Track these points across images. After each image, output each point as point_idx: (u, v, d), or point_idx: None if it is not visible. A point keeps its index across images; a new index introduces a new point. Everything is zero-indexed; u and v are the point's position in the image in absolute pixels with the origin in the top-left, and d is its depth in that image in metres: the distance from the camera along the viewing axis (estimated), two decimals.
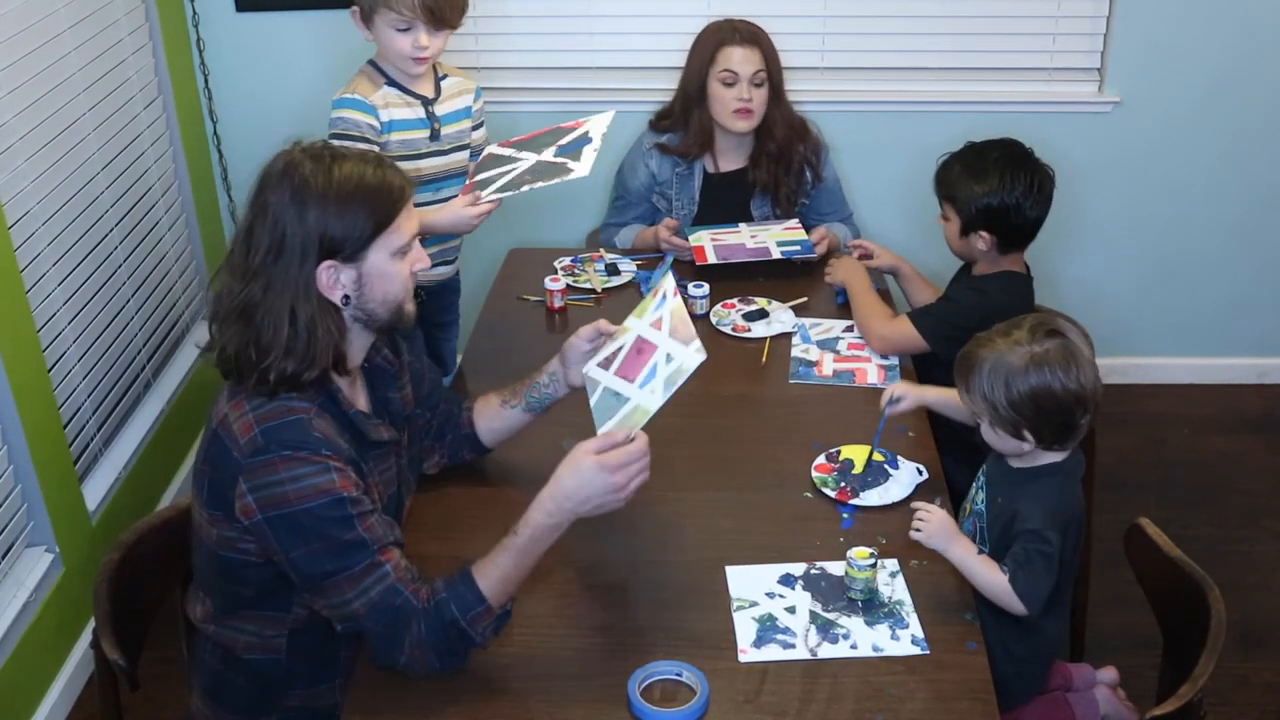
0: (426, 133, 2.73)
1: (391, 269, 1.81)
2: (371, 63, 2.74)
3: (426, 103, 2.73)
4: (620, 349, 2.03)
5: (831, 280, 2.83)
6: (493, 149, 2.73)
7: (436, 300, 2.99)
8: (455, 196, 2.64)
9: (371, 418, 1.93)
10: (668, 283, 2.03)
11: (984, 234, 2.49)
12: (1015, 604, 1.90)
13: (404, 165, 2.17)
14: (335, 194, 1.74)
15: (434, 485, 2.20)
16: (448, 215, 2.56)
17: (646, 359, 1.96)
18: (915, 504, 1.98)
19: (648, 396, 1.88)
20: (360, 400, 1.95)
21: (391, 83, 2.71)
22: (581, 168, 2.55)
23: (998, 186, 2.46)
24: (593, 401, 2.00)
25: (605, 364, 2.04)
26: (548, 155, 2.62)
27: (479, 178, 2.62)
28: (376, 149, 2.51)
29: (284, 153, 1.79)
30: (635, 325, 2.04)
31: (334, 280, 1.77)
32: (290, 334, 1.74)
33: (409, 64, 2.66)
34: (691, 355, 1.87)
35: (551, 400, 2.19)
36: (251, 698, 1.91)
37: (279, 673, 1.89)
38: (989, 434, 1.99)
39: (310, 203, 1.73)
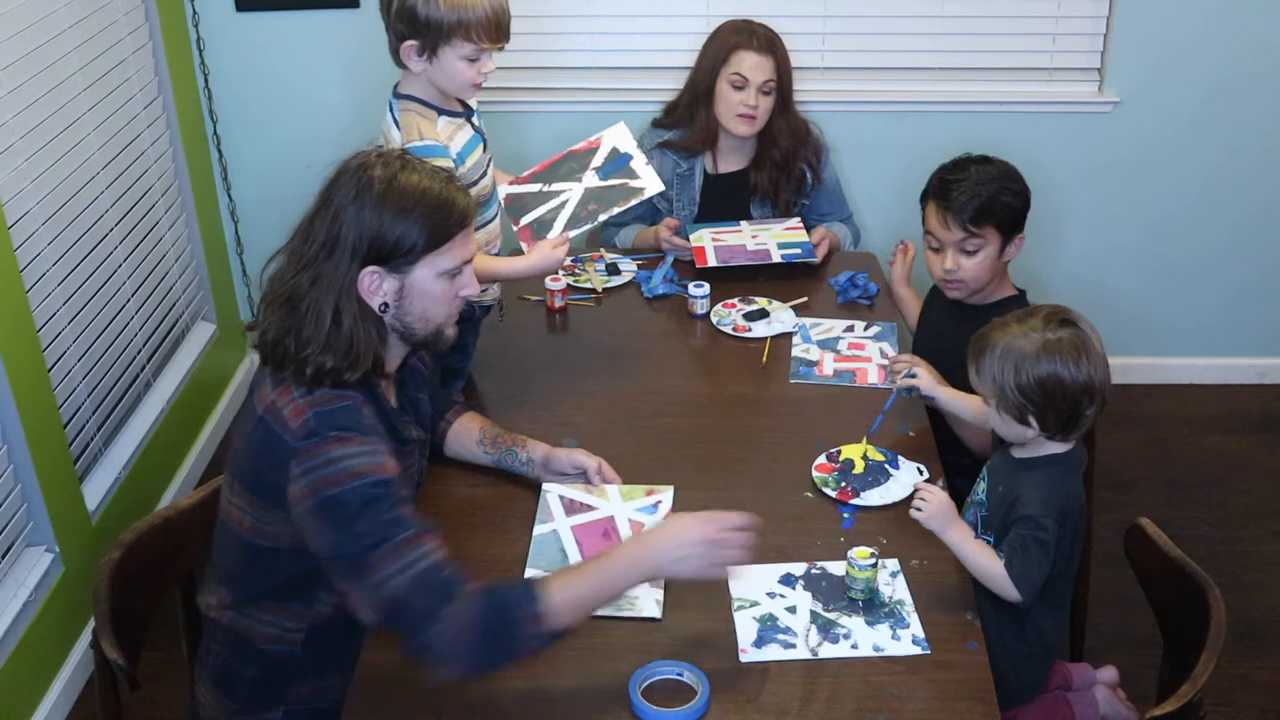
0: (481, 146, 2.55)
1: (436, 289, 1.82)
2: (408, 96, 2.45)
3: (467, 116, 2.54)
4: (592, 511, 2.10)
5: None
6: (508, 189, 2.60)
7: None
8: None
9: (402, 415, 1.95)
10: (666, 500, 2.11)
11: (1022, 235, 2.44)
12: (1010, 590, 1.90)
13: (474, 189, 2.14)
14: (395, 200, 1.76)
15: (435, 485, 2.21)
16: (535, 259, 2.46)
17: (609, 544, 2.02)
18: (919, 484, 1.99)
19: None
20: (391, 397, 1.96)
21: (440, 111, 2.46)
22: (651, 183, 2.57)
23: (1023, 182, 2.44)
24: (536, 530, 2.07)
25: (569, 507, 2.10)
26: (592, 181, 2.58)
27: (527, 220, 2.55)
28: None
29: (362, 152, 1.82)
30: (618, 507, 2.11)
31: (375, 286, 1.79)
32: (332, 331, 1.75)
33: (470, 91, 2.46)
34: (650, 602, 1.91)
35: (519, 474, 2.21)
36: (260, 689, 1.91)
37: (291, 664, 1.90)
38: (994, 417, 2.00)
39: (369, 204, 1.75)
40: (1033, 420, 1.95)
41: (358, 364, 1.77)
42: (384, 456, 1.74)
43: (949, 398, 2.27)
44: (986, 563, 1.91)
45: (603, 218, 2.52)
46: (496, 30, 2.39)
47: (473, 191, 2.01)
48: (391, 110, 2.46)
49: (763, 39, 3.08)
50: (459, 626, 1.66)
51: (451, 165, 2.38)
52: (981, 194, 2.37)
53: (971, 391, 2.10)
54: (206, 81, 3.57)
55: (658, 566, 1.75)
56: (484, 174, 2.52)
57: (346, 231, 1.75)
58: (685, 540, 1.74)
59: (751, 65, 3.06)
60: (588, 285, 2.94)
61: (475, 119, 2.56)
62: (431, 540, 1.71)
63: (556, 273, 2.83)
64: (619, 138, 2.67)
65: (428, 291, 1.82)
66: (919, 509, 1.94)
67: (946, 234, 2.40)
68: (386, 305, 1.81)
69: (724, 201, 3.21)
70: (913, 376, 2.29)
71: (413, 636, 1.68)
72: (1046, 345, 1.92)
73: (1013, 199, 2.40)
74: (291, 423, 1.73)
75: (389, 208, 1.75)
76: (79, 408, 2.91)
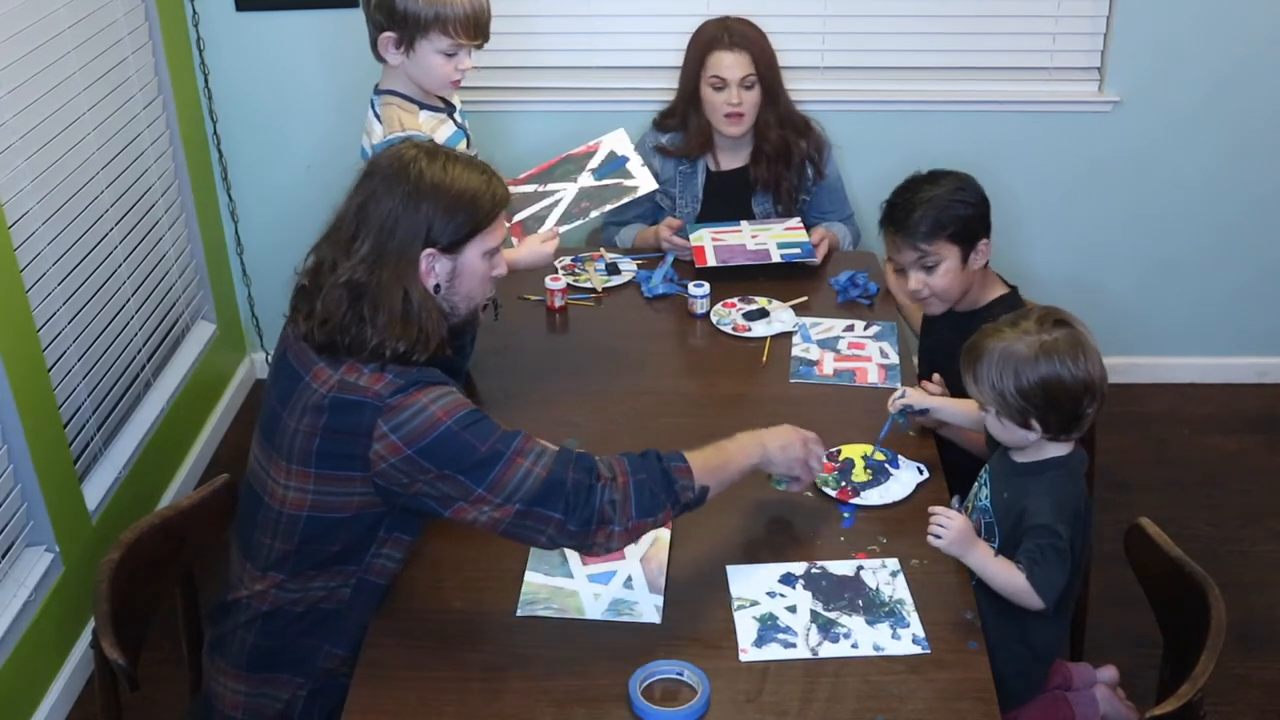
0: (464, 143, 2.59)
1: (481, 267, 1.93)
2: (388, 91, 2.51)
3: (449, 112, 2.59)
4: None
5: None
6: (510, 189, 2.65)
7: None
8: None
9: None
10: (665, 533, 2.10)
11: (985, 240, 2.40)
12: (1034, 600, 1.91)
13: None
14: (447, 190, 1.85)
15: None
16: (525, 252, 2.51)
17: (611, 558, 2.02)
18: (933, 509, 1.95)
19: (589, 598, 1.95)
20: None
21: (421, 105, 2.52)
22: (644, 181, 2.59)
23: (976, 189, 2.40)
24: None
25: None
26: (587, 181, 2.60)
27: (521, 216, 2.58)
28: None
29: (398, 147, 1.92)
30: None
31: (430, 268, 1.87)
32: (403, 314, 1.82)
33: (447, 87, 2.51)
34: (649, 608, 1.93)
35: None
36: (294, 654, 1.93)
37: (335, 619, 1.91)
38: (994, 425, 2.00)
39: (424, 195, 1.84)
40: (1035, 423, 1.95)
41: (427, 345, 1.85)
42: (464, 397, 1.85)
43: (941, 405, 2.26)
44: (1009, 578, 1.91)
45: (594, 214, 2.54)
46: (474, 28, 2.44)
47: None
48: (373, 106, 2.49)
49: (736, 35, 3.07)
50: (621, 482, 1.83)
51: None
52: (929, 212, 2.33)
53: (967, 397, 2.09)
54: (206, 81, 3.57)
55: (766, 449, 2.01)
56: None
57: (405, 223, 1.83)
58: (790, 437, 2.05)
59: (728, 64, 3.05)
60: (588, 285, 2.94)
61: (458, 115, 2.57)
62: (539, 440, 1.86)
63: (555, 270, 2.84)
64: (618, 142, 2.68)
65: (475, 271, 1.92)
66: (938, 535, 1.92)
67: (901, 256, 2.38)
68: (439, 286, 1.89)
69: (727, 198, 3.21)
70: (902, 397, 2.26)
71: (577, 509, 1.80)
72: (1044, 346, 1.92)
73: (964, 209, 2.35)
74: (374, 386, 1.80)
75: (442, 198, 1.85)
76: (79, 408, 2.91)
